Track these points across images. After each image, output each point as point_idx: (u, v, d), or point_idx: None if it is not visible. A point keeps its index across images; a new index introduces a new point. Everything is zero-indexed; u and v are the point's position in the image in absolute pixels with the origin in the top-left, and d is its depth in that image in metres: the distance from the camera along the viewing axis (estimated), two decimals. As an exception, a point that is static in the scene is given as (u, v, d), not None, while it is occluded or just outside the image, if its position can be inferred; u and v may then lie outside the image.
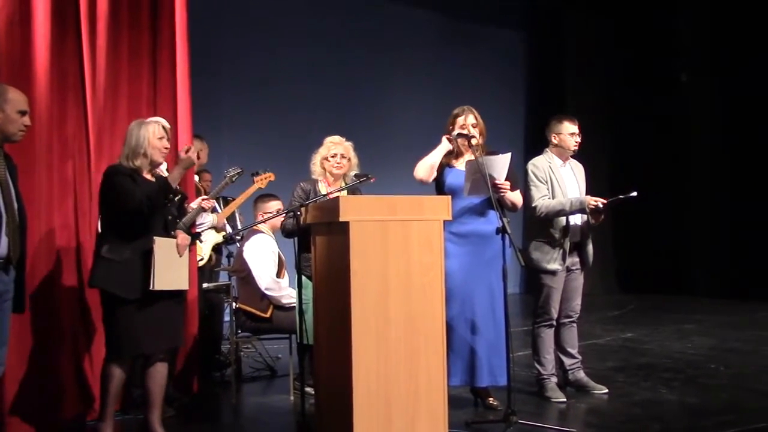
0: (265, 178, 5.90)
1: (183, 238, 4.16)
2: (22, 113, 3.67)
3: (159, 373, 4.14)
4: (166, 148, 4.19)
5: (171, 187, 4.07)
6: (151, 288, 3.93)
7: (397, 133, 10.54)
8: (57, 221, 4.55)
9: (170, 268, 4.03)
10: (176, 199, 4.18)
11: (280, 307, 5.42)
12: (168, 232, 4.11)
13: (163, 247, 4.00)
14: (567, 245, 4.94)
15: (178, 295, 4.16)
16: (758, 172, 10.18)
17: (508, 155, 4.57)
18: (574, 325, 5.17)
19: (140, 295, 3.94)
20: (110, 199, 4.05)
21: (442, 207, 3.94)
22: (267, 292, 5.39)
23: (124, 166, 4.08)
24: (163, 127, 4.18)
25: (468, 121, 4.75)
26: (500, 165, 4.56)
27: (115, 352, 4.05)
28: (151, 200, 3.96)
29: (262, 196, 5.80)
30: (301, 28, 10.30)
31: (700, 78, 11.05)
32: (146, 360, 4.13)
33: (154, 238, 3.96)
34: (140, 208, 3.93)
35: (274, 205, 5.64)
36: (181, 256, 4.12)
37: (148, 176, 4.12)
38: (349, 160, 5.16)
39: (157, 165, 4.18)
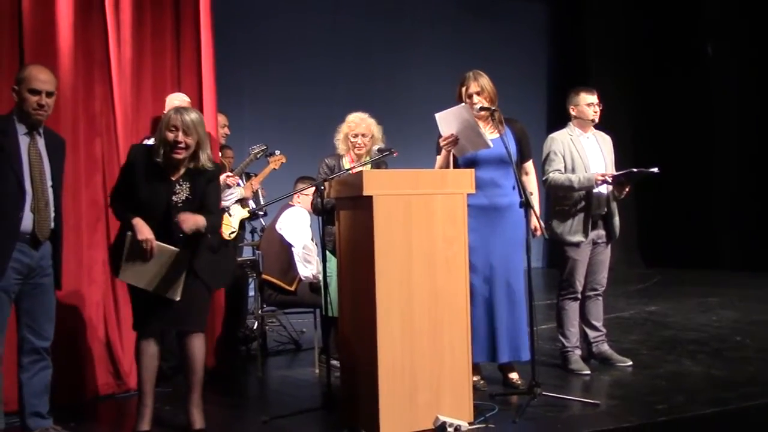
0: (278, 160, 5.96)
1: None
2: (33, 92, 3.53)
3: (188, 352, 3.93)
4: (171, 140, 3.76)
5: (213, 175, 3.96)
6: (116, 276, 3.88)
7: (418, 107, 10.41)
8: (85, 197, 4.58)
9: (147, 268, 3.73)
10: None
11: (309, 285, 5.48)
12: (171, 216, 3.78)
13: (136, 245, 3.72)
14: (588, 216, 4.92)
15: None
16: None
17: (460, 106, 4.37)
18: (600, 298, 5.17)
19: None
20: None
21: (465, 180, 3.94)
22: (303, 252, 5.42)
23: (146, 145, 4.03)
24: (181, 119, 3.75)
25: (471, 90, 4.51)
26: (452, 118, 4.36)
27: (133, 325, 4.04)
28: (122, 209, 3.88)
29: (303, 178, 5.77)
30: (321, 1, 10.27)
31: (726, 48, 10.88)
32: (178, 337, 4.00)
33: (127, 234, 3.74)
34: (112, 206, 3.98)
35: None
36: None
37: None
38: (372, 137, 5.14)
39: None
